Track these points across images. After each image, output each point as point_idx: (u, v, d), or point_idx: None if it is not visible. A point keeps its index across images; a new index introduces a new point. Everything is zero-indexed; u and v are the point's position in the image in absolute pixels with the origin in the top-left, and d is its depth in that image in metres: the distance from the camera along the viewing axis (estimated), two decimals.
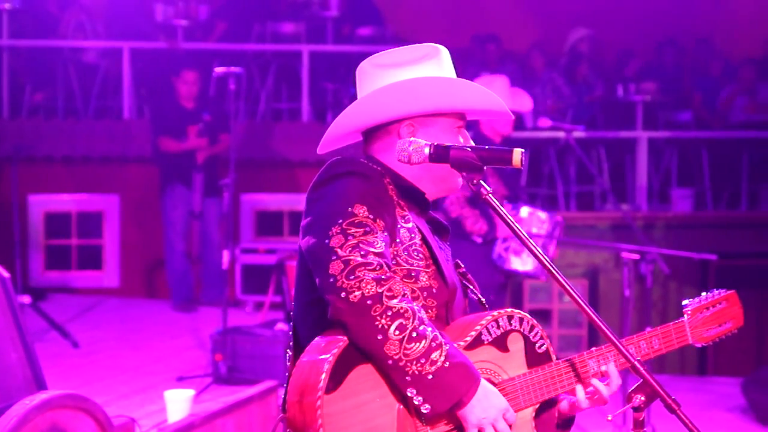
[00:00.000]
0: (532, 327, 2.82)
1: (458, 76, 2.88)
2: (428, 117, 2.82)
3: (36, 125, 10.75)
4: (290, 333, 2.83)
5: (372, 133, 2.87)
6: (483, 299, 2.98)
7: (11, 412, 4.01)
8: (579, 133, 10.26)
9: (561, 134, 10.66)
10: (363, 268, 2.53)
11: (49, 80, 11.33)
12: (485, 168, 2.71)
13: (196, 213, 9.45)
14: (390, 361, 2.52)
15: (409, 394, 2.54)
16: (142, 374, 7.19)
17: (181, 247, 9.51)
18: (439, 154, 2.73)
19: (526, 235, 2.67)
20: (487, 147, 2.75)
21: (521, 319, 2.81)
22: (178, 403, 5.84)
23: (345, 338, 2.56)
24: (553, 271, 2.64)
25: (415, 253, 2.74)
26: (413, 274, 2.72)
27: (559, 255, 10.57)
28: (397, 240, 2.71)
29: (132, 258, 10.65)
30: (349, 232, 2.58)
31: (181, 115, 9.40)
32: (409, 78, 2.79)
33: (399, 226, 2.73)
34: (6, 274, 4.53)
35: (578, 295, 2.66)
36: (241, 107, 11.06)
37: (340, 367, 2.54)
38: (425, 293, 2.74)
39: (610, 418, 2.81)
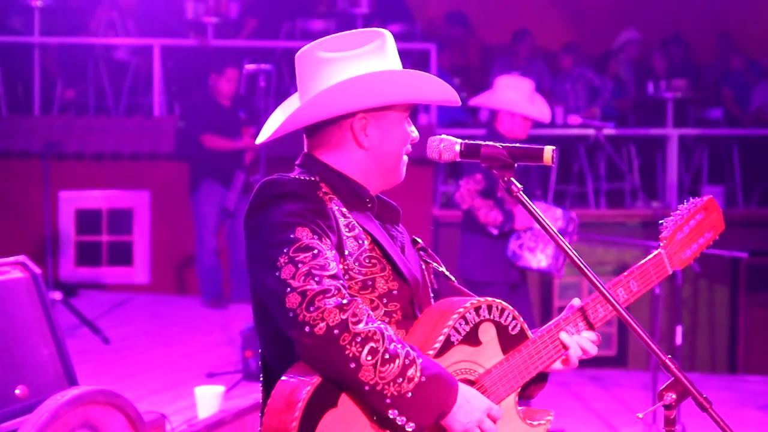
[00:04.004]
0: (502, 311, 2.73)
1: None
2: (380, 110, 2.71)
3: (67, 122, 10.78)
4: (260, 364, 2.74)
5: (318, 128, 2.74)
6: (447, 272, 2.89)
7: (42, 407, 4.02)
8: (609, 131, 10.21)
9: (591, 131, 10.64)
10: (321, 296, 2.41)
11: (80, 77, 11.38)
12: (515, 165, 2.70)
13: (230, 211, 9.44)
14: (367, 387, 2.43)
15: (391, 416, 2.46)
16: (173, 370, 7.22)
17: (212, 244, 9.52)
18: (470, 151, 2.73)
19: (556, 232, 2.67)
20: (517, 144, 2.73)
21: (489, 307, 2.71)
22: (209, 399, 5.85)
23: (310, 381, 2.46)
24: (583, 268, 2.63)
25: (367, 260, 2.63)
26: (369, 283, 2.62)
27: (588, 252, 10.57)
28: (346, 252, 2.60)
29: (162, 254, 10.68)
30: (297, 259, 2.46)
31: (222, 113, 9.41)
32: (357, 68, 2.68)
33: (344, 237, 2.62)
34: (37, 270, 4.55)
35: (606, 291, 2.66)
36: (271, 104, 11.06)
37: (308, 418, 2.43)
38: (385, 299, 2.64)
39: (640, 416, 2.77)
